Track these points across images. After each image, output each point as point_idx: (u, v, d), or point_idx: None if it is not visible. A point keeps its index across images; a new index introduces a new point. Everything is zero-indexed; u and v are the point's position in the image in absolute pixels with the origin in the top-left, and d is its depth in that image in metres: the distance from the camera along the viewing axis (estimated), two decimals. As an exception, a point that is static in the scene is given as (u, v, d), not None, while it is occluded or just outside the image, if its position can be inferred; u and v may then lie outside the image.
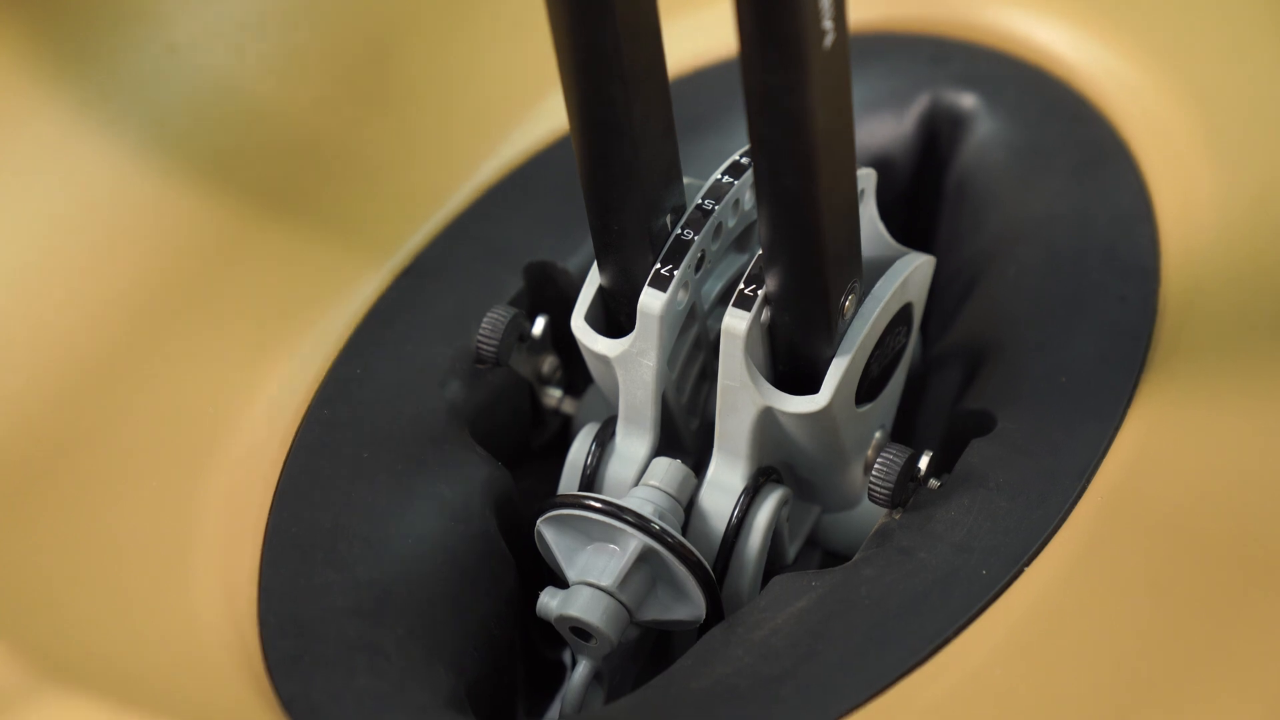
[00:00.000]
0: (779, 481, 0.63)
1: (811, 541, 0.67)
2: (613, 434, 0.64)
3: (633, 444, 0.63)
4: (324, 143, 0.72)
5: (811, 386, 0.60)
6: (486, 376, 0.66)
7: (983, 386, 0.65)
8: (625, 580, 0.61)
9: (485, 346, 0.65)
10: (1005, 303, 0.68)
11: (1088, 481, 0.60)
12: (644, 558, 0.61)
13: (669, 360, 0.61)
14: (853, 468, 0.64)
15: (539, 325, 0.68)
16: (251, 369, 0.66)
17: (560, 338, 0.68)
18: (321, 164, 0.72)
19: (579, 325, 0.62)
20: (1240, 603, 0.57)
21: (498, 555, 0.63)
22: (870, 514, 0.65)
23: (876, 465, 0.61)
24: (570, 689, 0.63)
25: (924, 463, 0.62)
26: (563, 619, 0.61)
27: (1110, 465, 0.61)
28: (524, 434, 0.70)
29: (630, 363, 0.61)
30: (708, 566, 0.61)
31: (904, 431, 0.68)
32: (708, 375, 0.64)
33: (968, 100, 0.73)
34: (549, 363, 0.69)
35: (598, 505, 0.61)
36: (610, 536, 0.61)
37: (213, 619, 0.60)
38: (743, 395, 0.60)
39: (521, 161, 0.73)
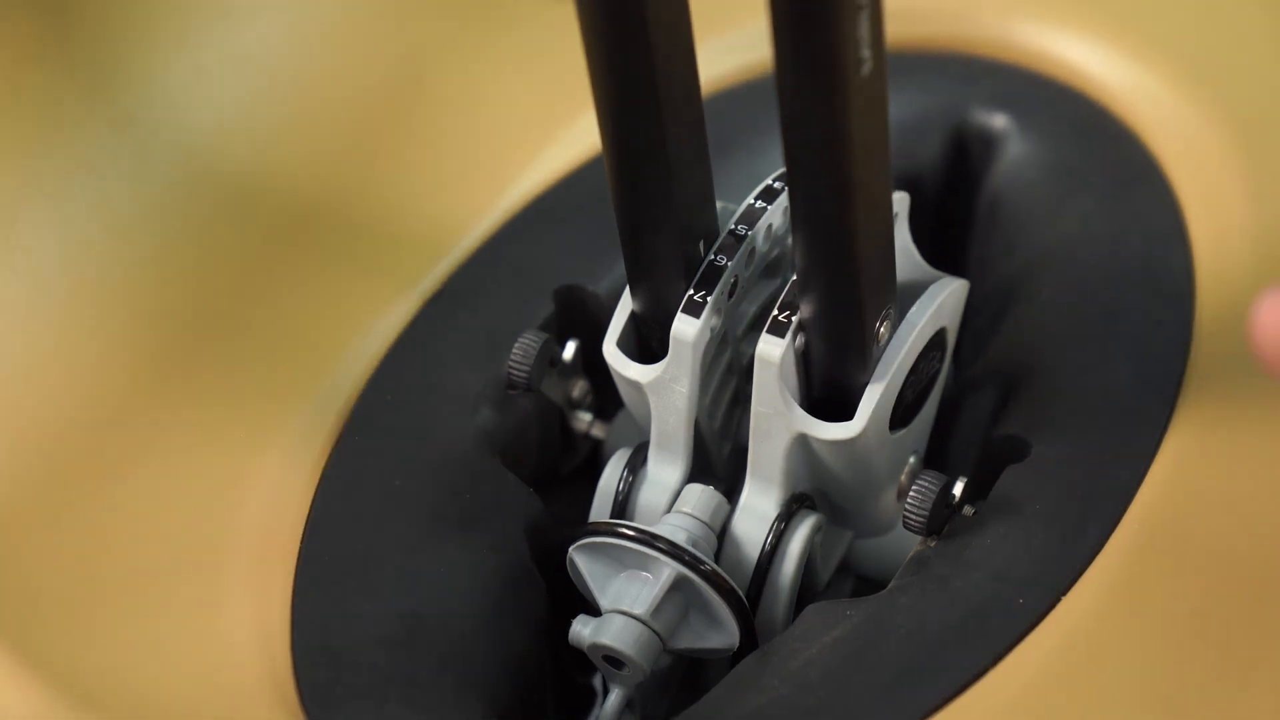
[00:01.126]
0: (812, 508, 0.63)
1: (844, 568, 0.67)
2: (644, 460, 0.63)
3: (665, 470, 0.63)
4: (354, 164, 0.72)
5: (846, 413, 0.59)
6: (517, 402, 0.66)
7: (1017, 412, 0.65)
8: (658, 608, 0.60)
9: (517, 372, 0.65)
10: (1038, 326, 0.67)
11: (1125, 509, 0.60)
12: (677, 585, 0.61)
13: (701, 386, 0.61)
14: (886, 494, 0.63)
15: (569, 350, 0.68)
16: (282, 395, 0.66)
17: (590, 362, 0.68)
18: (351, 186, 0.72)
19: (611, 351, 0.61)
20: None
21: (529, 582, 0.63)
22: (904, 540, 0.65)
23: (911, 493, 0.61)
24: (602, 718, 0.63)
25: (958, 489, 0.61)
26: (595, 647, 0.61)
27: (1147, 492, 0.60)
28: (554, 459, 0.69)
29: (663, 389, 0.61)
30: (741, 594, 0.61)
31: (937, 457, 0.67)
32: (740, 401, 0.64)
33: (999, 120, 0.72)
34: (579, 387, 0.69)
35: (631, 533, 0.60)
36: (643, 564, 0.61)
37: (245, 648, 0.60)
38: (776, 422, 0.60)
39: (551, 184, 0.72)
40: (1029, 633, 0.57)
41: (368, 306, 0.69)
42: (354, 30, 0.74)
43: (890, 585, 0.60)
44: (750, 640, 0.61)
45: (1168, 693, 0.55)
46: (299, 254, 0.70)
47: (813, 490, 0.63)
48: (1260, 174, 0.69)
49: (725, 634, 0.61)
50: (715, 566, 0.60)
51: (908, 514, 0.61)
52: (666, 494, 0.63)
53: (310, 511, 0.63)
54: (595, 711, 0.66)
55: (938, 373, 0.62)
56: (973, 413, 0.68)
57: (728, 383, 0.63)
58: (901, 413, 0.61)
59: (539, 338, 0.65)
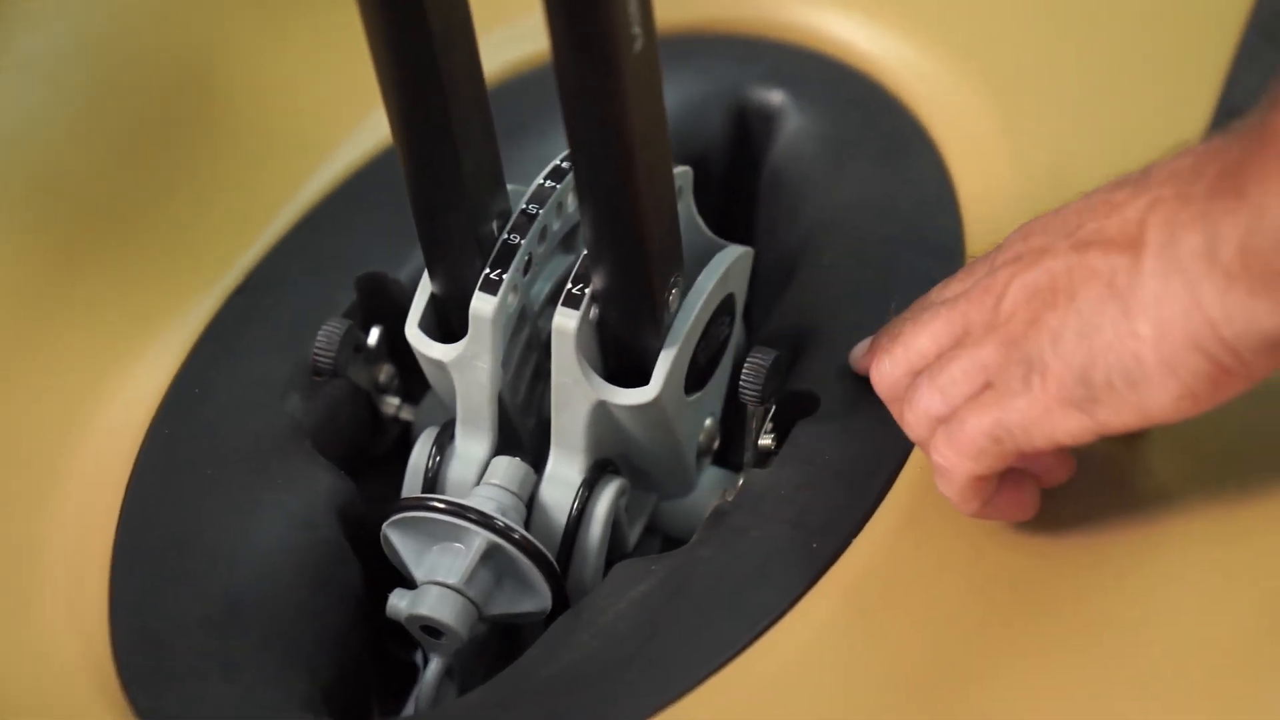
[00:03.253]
0: (616, 472, 0.65)
1: (651, 529, 0.69)
2: (452, 436, 0.65)
3: (472, 445, 0.65)
4: (151, 164, 0.73)
5: (641, 379, 0.62)
6: (325, 388, 0.68)
7: (806, 369, 0.67)
8: (472, 577, 0.63)
9: (322, 358, 0.67)
10: (822, 288, 0.70)
11: (907, 454, 0.63)
12: (489, 554, 0.63)
13: (503, 362, 0.63)
14: (686, 455, 0.66)
15: (374, 335, 0.70)
16: (88, 392, 0.67)
17: (395, 347, 0.70)
18: (149, 186, 0.73)
19: (413, 333, 0.63)
20: (1056, 555, 0.59)
21: (344, 561, 0.65)
22: (705, 499, 0.68)
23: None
24: (423, 686, 0.65)
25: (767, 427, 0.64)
26: (413, 618, 0.63)
27: None
28: (365, 442, 0.71)
29: (465, 366, 0.63)
30: (551, 559, 0.63)
31: (734, 416, 0.69)
32: (541, 375, 0.66)
33: (776, 97, 0.75)
34: (385, 372, 0.71)
35: (441, 505, 0.63)
36: (455, 535, 0.63)
37: (64, 638, 0.61)
38: (576, 391, 0.62)
39: (348, 175, 0.74)
40: (824, 575, 0.60)
41: (172, 301, 0.70)
42: (142, 32, 0.75)
43: (692, 539, 0.63)
44: (562, 603, 0.64)
45: (954, 621, 0.58)
46: (99, 254, 0.71)
47: (616, 456, 0.66)
48: (1020, 137, 0.73)
49: (538, 598, 0.64)
50: (525, 533, 0.63)
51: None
52: (475, 468, 0.65)
53: (124, 501, 0.64)
54: (418, 685, 0.68)
55: (728, 337, 0.65)
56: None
57: (528, 358, 0.65)
58: (695, 376, 0.64)
59: (342, 324, 0.67)
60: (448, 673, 0.66)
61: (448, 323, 0.63)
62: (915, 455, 0.63)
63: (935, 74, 0.75)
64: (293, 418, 0.67)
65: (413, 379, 0.70)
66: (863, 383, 0.66)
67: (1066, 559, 0.59)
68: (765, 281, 0.73)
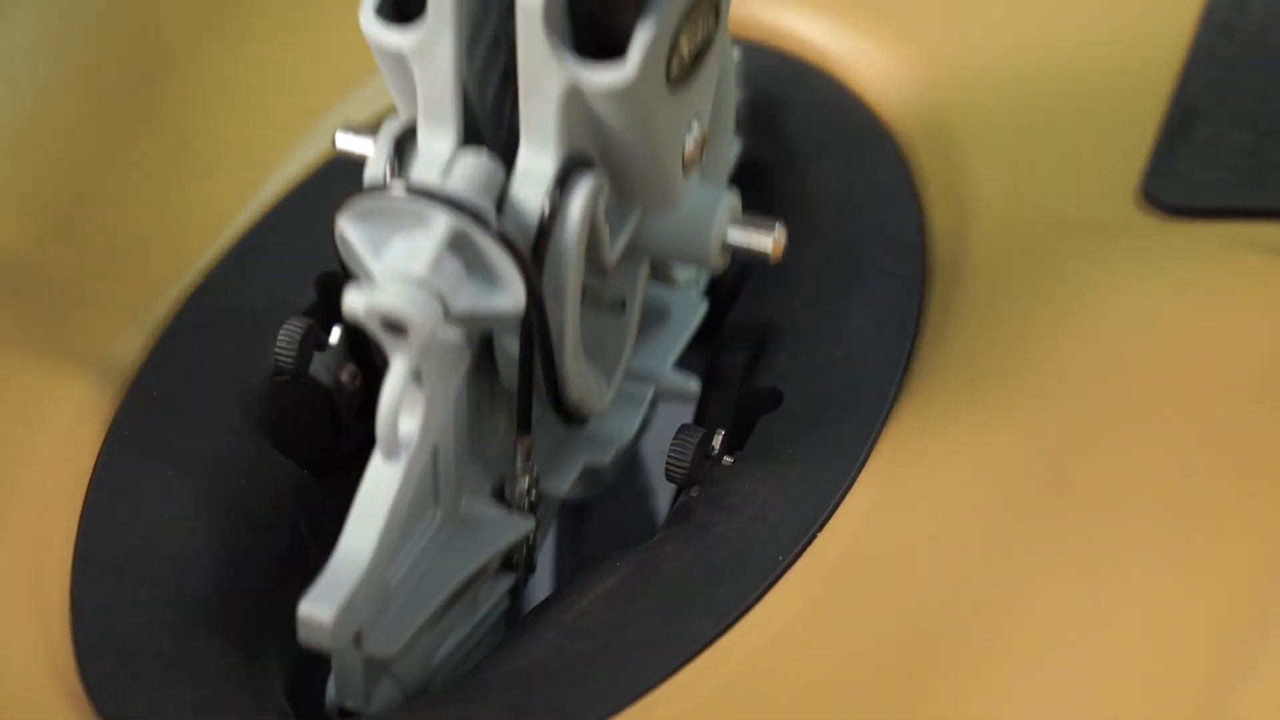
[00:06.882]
0: (593, 168, 0.60)
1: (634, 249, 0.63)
2: (413, 136, 0.60)
3: (435, 142, 0.59)
4: (108, 165, 0.73)
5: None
6: (286, 389, 0.66)
7: (768, 365, 0.67)
8: (437, 266, 0.56)
9: (283, 358, 0.65)
10: (785, 284, 0.70)
11: (871, 447, 0.62)
12: (456, 242, 0.57)
13: (468, 50, 0.59)
14: (671, 160, 0.61)
15: (335, 335, 0.68)
16: (45, 394, 0.65)
17: (357, 346, 0.68)
18: (107, 186, 0.72)
19: (368, 19, 0.59)
20: (1017, 542, 0.59)
21: (309, 562, 0.61)
22: (691, 219, 0.62)
23: (671, 446, 0.62)
24: (387, 391, 0.57)
25: (717, 441, 0.63)
26: (372, 312, 0.56)
27: (891, 430, 0.63)
28: (328, 442, 0.68)
29: (426, 54, 0.59)
30: (522, 248, 0.57)
31: (697, 412, 0.69)
32: (510, 79, 0.62)
33: (741, 94, 0.76)
34: (348, 371, 0.68)
35: (404, 187, 0.57)
36: (419, 222, 0.57)
37: (25, 642, 0.59)
38: (545, 74, 0.58)
39: (307, 175, 0.73)
40: (789, 569, 0.59)
41: (130, 302, 0.68)
42: (100, 29, 0.76)
43: (658, 535, 0.62)
44: (539, 312, 0.58)
45: (919, 613, 0.57)
46: (58, 255, 0.69)
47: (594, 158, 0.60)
48: (980, 133, 0.74)
49: (509, 294, 0.57)
50: (495, 217, 0.57)
51: (670, 466, 0.62)
52: (439, 165, 0.59)
53: (84, 505, 0.63)
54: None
55: (713, 38, 0.61)
56: (728, 368, 0.70)
57: (496, 60, 0.61)
58: (678, 70, 0.60)
59: (303, 323, 0.66)
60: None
61: (406, 9, 0.60)
62: (880, 448, 0.62)
63: (895, 69, 0.77)
64: (253, 419, 0.65)
65: (375, 379, 0.66)
66: (825, 375, 0.66)
67: (1035, 552, 0.58)
68: (729, 276, 0.72)
